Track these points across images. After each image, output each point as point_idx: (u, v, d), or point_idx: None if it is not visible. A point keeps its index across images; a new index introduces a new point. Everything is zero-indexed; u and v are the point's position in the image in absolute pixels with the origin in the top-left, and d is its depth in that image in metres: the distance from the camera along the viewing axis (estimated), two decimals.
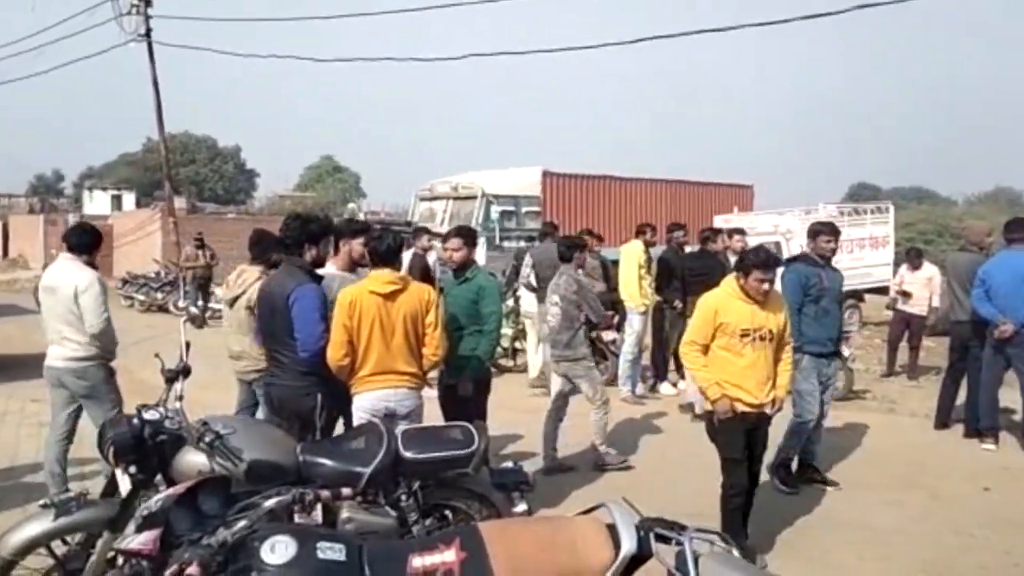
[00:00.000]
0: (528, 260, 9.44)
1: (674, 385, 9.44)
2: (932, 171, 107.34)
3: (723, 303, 4.72)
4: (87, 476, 5.82)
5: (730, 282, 4.78)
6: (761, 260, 4.64)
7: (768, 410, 4.75)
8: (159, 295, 18.56)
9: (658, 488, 5.89)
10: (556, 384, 6.57)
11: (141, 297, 18.76)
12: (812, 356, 5.97)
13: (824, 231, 6.25)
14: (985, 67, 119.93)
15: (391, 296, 4.32)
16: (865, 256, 15.67)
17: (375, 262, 4.41)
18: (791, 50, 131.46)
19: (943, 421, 7.77)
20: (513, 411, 8.16)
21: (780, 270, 5.22)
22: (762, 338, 4.65)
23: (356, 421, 4.29)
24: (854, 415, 8.60)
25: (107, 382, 5.25)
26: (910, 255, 11.21)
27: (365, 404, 4.31)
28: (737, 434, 4.70)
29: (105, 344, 5.17)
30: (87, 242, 5.20)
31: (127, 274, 20.62)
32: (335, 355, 4.26)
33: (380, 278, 4.35)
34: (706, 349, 4.72)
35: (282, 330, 4.43)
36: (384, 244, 4.36)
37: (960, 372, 7.67)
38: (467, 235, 5.43)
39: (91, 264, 5.18)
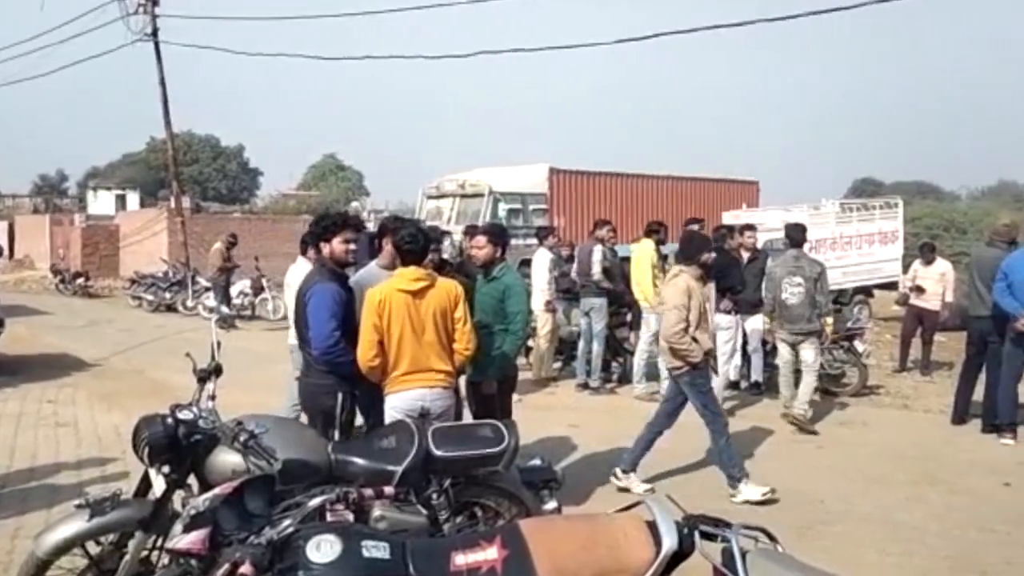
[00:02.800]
0: (599, 257, 9.36)
1: None
2: (934, 166, 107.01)
3: None
4: (109, 477, 5.83)
5: None
6: None
7: None
8: (167, 295, 18.55)
9: (678, 484, 5.90)
10: (785, 353, 7.98)
11: (149, 297, 18.76)
12: None
13: None
14: (986, 61, 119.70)
15: (419, 293, 4.31)
16: (874, 251, 15.66)
17: (405, 260, 4.40)
18: (791, 46, 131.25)
19: (960, 416, 7.77)
20: (530, 409, 8.19)
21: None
22: None
23: (388, 420, 4.28)
24: (869, 411, 8.62)
25: None
26: (923, 250, 11.18)
27: (399, 404, 4.29)
28: None
29: None
30: (304, 239, 5.78)
31: (135, 274, 20.63)
32: (365, 356, 4.25)
33: (407, 275, 4.34)
34: None
35: (303, 327, 4.47)
36: (418, 243, 4.35)
37: (978, 367, 7.67)
38: (493, 233, 5.42)
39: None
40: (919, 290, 10.71)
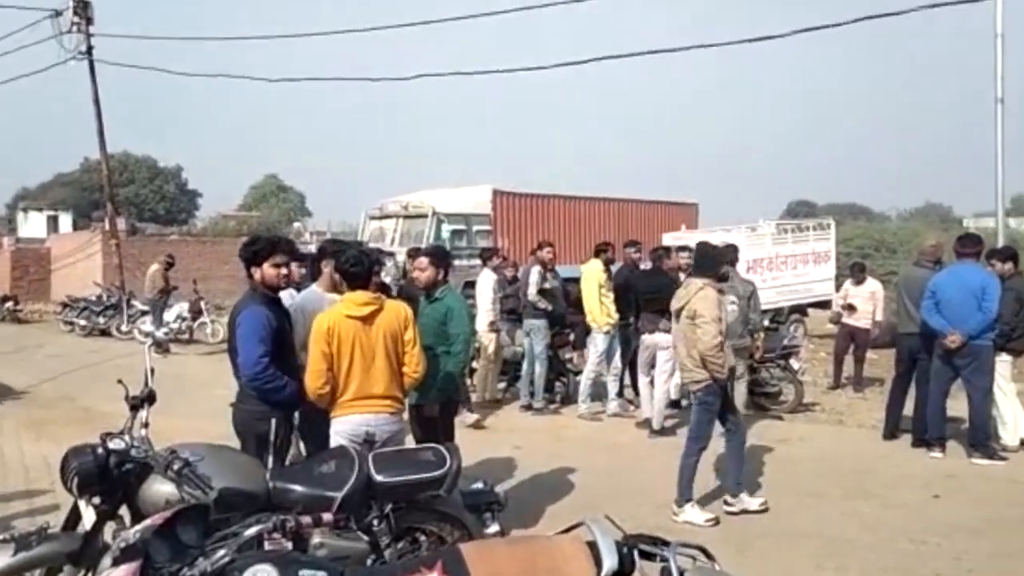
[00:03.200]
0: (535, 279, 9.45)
1: (630, 403, 9.49)
2: (865, 188, 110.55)
3: None
4: (37, 510, 5.61)
5: None
6: None
7: None
8: (101, 319, 18.03)
9: (621, 504, 5.94)
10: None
11: (82, 322, 18.21)
12: None
13: None
14: (914, 86, 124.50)
15: (369, 318, 4.25)
16: (808, 271, 16.03)
17: (350, 284, 4.33)
18: (728, 70, 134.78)
19: (891, 431, 7.99)
20: (474, 431, 8.18)
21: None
22: None
23: (333, 445, 4.21)
24: (805, 427, 8.82)
25: None
26: (854, 270, 11.52)
27: (344, 429, 4.22)
28: None
29: None
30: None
31: (67, 298, 20.00)
32: (314, 384, 4.17)
33: (355, 300, 4.27)
34: None
35: (234, 352, 4.38)
36: (363, 265, 4.29)
37: (907, 383, 7.92)
38: (436, 255, 5.42)
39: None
40: (850, 308, 11.02)
